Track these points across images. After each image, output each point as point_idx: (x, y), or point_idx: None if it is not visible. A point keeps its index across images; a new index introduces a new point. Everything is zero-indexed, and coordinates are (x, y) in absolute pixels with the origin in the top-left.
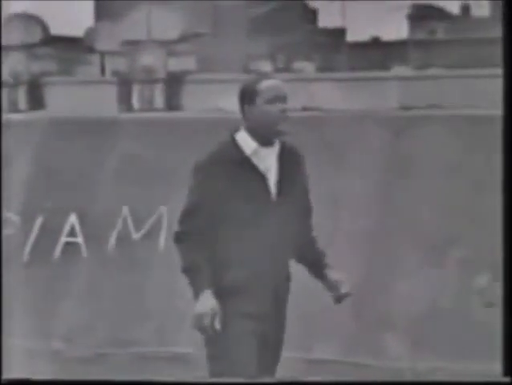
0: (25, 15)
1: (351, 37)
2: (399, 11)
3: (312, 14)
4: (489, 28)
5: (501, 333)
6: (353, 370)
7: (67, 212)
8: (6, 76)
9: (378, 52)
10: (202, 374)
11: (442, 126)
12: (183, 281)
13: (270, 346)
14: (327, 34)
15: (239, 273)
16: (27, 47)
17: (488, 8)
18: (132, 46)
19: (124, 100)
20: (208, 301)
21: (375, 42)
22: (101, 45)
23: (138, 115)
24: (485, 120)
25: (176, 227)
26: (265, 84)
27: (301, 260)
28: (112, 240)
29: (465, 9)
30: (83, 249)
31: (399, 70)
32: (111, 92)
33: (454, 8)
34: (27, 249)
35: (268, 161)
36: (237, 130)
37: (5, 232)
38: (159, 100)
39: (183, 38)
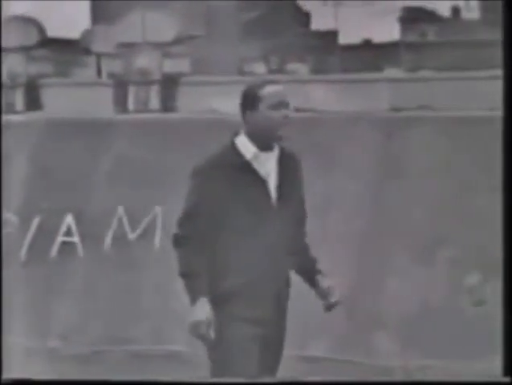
0: (22, 17)
1: (343, 39)
2: (390, 14)
3: (305, 17)
4: (479, 30)
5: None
6: (345, 367)
7: (64, 212)
8: (3, 78)
9: (370, 54)
10: (196, 371)
11: (433, 127)
12: (178, 281)
13: (272, 349)
14: (319, 36)
15: (240, 277)
16: (24, 49)
17: (478, 11)
18: (128, 48)
19: (120, 102)
20: (203, 310)
21: (367, 45)
22: (97, 47)
23: (134, 117)
24: (476, 121)
25: (174, 230)
26: (268, 90)
27: (293, 266)
28: (108, 239)
29: (456, 11)
30: (80, 248)
31: (390, 72)
32: (107, 94)
33: (445, 11)
34: (24, 248)
35: (268, 166)
36: (236, 134)
37: (3, 231)
38: (154, 102)
39: (178, 41)
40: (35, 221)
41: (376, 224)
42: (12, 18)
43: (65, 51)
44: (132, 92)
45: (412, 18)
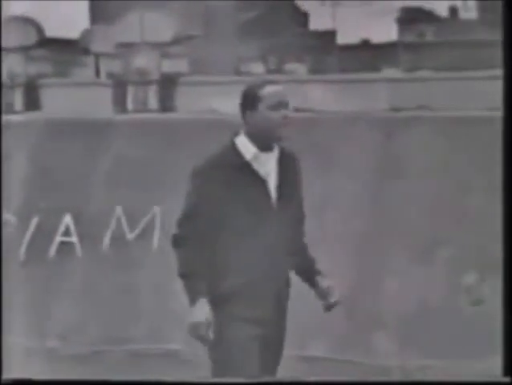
0: (20, 17)
1: (341, 39)
2: (388, 14)
3: (303, 17)
4: (477, 30)
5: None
6: (344, 367)
7: (62, 212)
8: (3, 78)
9: (368, 54)
10: (195, 370)
11: (431, 127)
12: (176, 281)
13: (272, 349)
14: (317, 36)
15: (240, 278)
16: (23, 49)
17: (476, 11)
18: (127, 48)
19: (119, 102)
20: (203, 311)
21: (366, 45)
22: (96, 47)
23: (132, 116)
24: (474, 121)
25: (173, 230)
26: (268, 90)
27: (293, 266)
28: (107, 239)
29: (454, 12)
30: (78, 248)
31: (389, 72)
32: (105, 94)
33: (443, 11)
34: (23, 248)
35: (268, 166)
36: (236, 134)
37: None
38: (153, 101)
39: (176, 41)
40: (34, 221)
41: (375, 224)
42: (11, 18)
43: (64, 51)
44: (130, 92)
45: (410, 18)
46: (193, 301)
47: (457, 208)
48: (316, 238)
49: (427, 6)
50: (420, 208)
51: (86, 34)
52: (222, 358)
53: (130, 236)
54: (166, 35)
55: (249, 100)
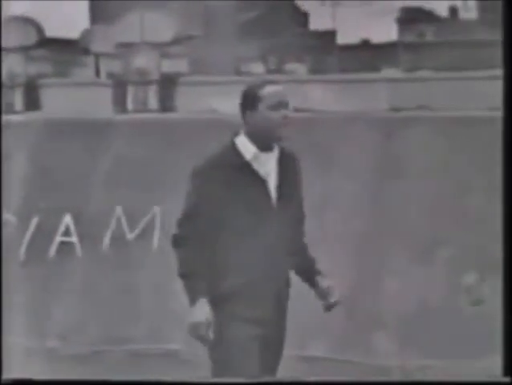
0: (20, 18)
1: (341, 39)
2: (388, 14)
3: (303, 17)
4: (477, 31)
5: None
6: (344, 367)
7: (62, 212)
8: (3, 78)
9: (368, 54)
10: (194, 370)
11: (431, 127)
12: (176, 281)
13: (272, 349)
14: (317, 36)
15: (240, 278)
16: (23, 49)
17: (476, 11)
18: (126, 48)
19: (119, 102)
20: (203, 311)
21: (366, 45)
22: (96, 47)
23: (132, 116)
24: (474, 121)
25: (174, 230)
26: (268, 90)
27: (293, 266)
28: (106, 239)
29: (454, 12)
30: (78, 248)
31: (389, 72)
32: (105, 94)
33: (443, 11)
34: (23, 248)
35: (268, 166)
36: (236, 134)
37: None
38: (153, 101)
39: (176, 41)
40: (34, 221)
41: (375, 224)
42: (11, 18)
43: (64, 51)
44: (130, 92)
45: (410, 18)
46: (192, 301)
47: (456, 208)
48: (316, 238)
49: (427, 6)
50: (420, 208)
51: (86, 34)
52: (222, 358)
53: (130, 236)
54: (166, 35)
55: (250, 100)
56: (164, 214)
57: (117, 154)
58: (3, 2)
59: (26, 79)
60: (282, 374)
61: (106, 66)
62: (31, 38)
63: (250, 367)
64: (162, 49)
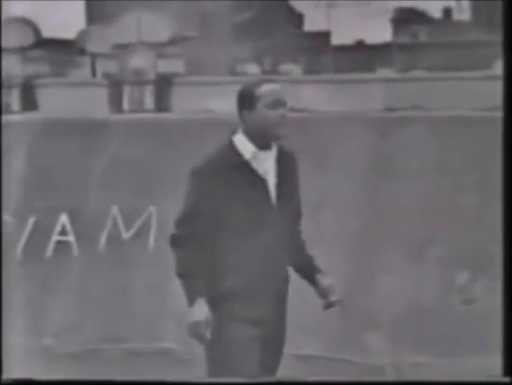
0: (18, 18)
1: (336, 40)
2: (382, 15)
3: (298, 18)
4: (470, 31)
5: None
6: (339, 366)
7: (59, 212)
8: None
9: (362, 55)
10: (189, 369)
11: (425, 127)
12: (172, 280)
13: (272, 348)
14: (312, 37)
15: (240, 278)
16: (20, 50)
17: (469, 12)
18: (123, 48)
19: (115, 102)
20: (202, 310)
21: (360, 45)
22: (92, 47)
23: (128, 117)
24: (468, 121)
25: (172, 230)
26: (265, 88)
27: (292, 264)
28: (103, 239)
29: (447, 13)
30: (74, 247)
31: (383, 72)
32: (102, 94)
33: (436, 12)
34: (20, 247)
35: (267, 165)
36: (234, 133)
37: None
38: (149, 102)
39: (172, 41)
40: (31, 221)
41: (369, 223)
42: (8, 19)
43: (60, 52)
44: (126, 92)
45: (404, 19)
46: (191, 300)
47: (450, 207)
48: (310, 237)
49: (421, 7)
50: (414, 207)
51: (82, 34)
52: (220, 357)
53: (126, 235)
54: (162, 36)
55: (247, 99)
56: (160, 214)
57: (113, 154)
58: (2, 3)
59: (23, 79)
60: (282, 373)
61: (102, 66)
62: (28, 38)
63: (249, 367)
64: (158, 49)
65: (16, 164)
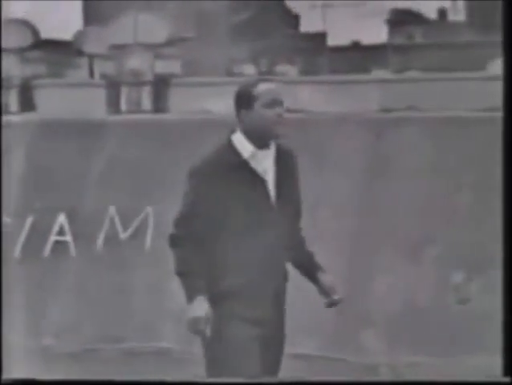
0: (16, 20)
1: (332, 41)
2: (378, 16)
3: (294, 19)
4: (465, 32)
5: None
6: (335, 365)
7: (57, 212)
8: None
9: (358, 56)
10: (187, 368)
11: (421, 127)
12: (169, 280)
13: (272, 347)
14: (308, 38)
15: (239, 277)
16: (19, 51)
17: (464, 13)
18: (120, 49)
19: (112, 102)
20: (202, 307)
21: (356, 46)
22: (90, 48)
23: (126, 117)
24: (462, 121)
25: (171, 230)
26: (262, 88)
27: (292, 261)
28: (100, 239)
29: (442, 14)
30: (72, 247)
31: (379, 73)
32: (99, 94)
33: (432, 13)
34: (18, 247)
35: (265, 164)
36: (233, 132)
37: None
38: (146, 102)
39: (169, 42)
40: (29, 221)
41: (365, 223)
42: (6, 20)
43: (58, 53)
44: (124, 93)
45: (400, 20)
46: (190, 298)
47: (445, 207)
48: (307, 237)
49: (416, 8)
50: (409, 207)
51: (79, 35)
52: (220, 357)
53: (123, 235)
54: (159, 37)
55: (244, 99)
56: (157, 214)
57: (111, 154)
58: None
59: (21, 80)
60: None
61: (100, 67)
62: (27, 39)
63: (249, 367)
64: (155, 50)
65: (14, 165)
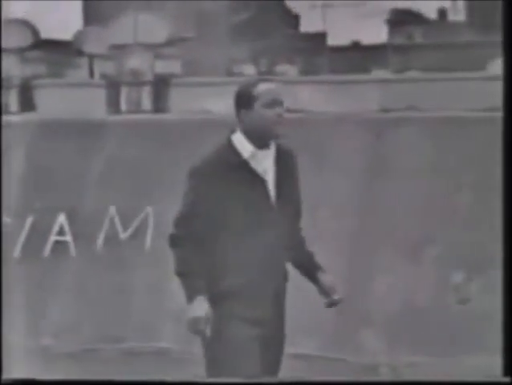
0: (16, 20)
1: (332, 41)
2: (378, 16)
3: (294, 19)
4: (465, 32)
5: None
6: (335, 365)
7: (57, 212)
8: None
9: (358, 56)
10: (186, 368)
11: (420, 127)
12: (169, 280)
13: (272, 347)
14: (308, 38)
15: (239, 277)
16: (19, 51)
17: (464, 13)
18: (120, 49)
19: (112, 102)
20: (202, 307)
21: (356, 46)
22: (90, 48)
23: (126, 117)
24: (462, 121)
25: (171, 230)
26: (261, 88)
27: (292, 261)
28: (100, 239)
29: (442, 14)
30: (72, 247)
31: (378, 73)
32: (99, 94)
33: (432, 13)
34: (18, 247)
35: (265, 164)
36: (233, 132)
37: None
38: (146, 102)
39: (169, 42)
40: (29, 221)
41: (364, 223)
42: (6, 20)
43: (58, 52)
44: (124, 93)
45: (400, 20)
46: (190, 298)
47: (445, 207)
48: (306, 237)
49: (416, 8)
50: (409, 207)
51: (79, 35)
52: (220, 357)
53: (123, 235)
54: (159, 37)
55: (244, 99)
56: (157, 214)
57: (111, 154)
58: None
59: (21, 80)
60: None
61: (100, 67)
62: (27, 39)
63: (249, 367)
64: (155, 50)
65: (14, 165)
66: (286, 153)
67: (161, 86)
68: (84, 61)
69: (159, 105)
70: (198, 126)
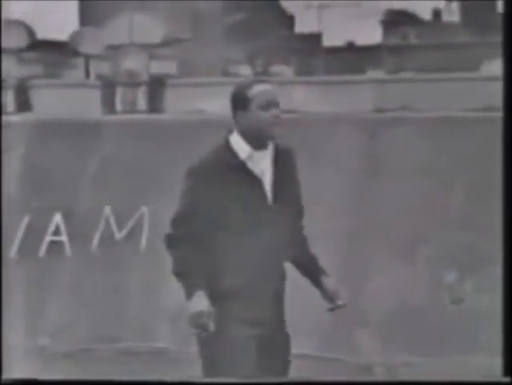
0: (13, 21)
1: (327, 42)
2: (373, 17)
3: (289, 20)
4: (459, 33)
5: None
6: (331, 365)
7: (53, 212)
8: None
9: (353, 56)
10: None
11: (415, 127)
12: (163, 280)
13: (274, 347)
14: (303, 39)
15: (238, 278)
16: (16, 52)
17: (458, 14)
18: (116, 50)
19: (108, 102)
20: (202, 301)
21: (351, 47)
22: (85, 49)
23: (121, 117)
24: (456, 122)
25: (168, 230)
26: (257, 89)
27: (293, 261)
28: (96, 239)
29: (437, 14)
30: (67, 247)
31: (373, 73)
32: (95, 95)
33: (426, 14)
34: (14, 247)
35: (263, 165)
36: (230, 133)
37: None
38: (141, 102)
39: (164, 43)
40: (25, 220)
41: (359, 223)
42: (4, 21)
43: (54, 53)
44: (119, 93)
45: (394, 21)
46: (189, 295)
47: (439, 207)
48: None
49: (411, 8)
50: (403, 207)
51: (75, 35)
52: (217, 357)
53: (118, 236)
54: (155, 37)
55: (240, 101)
56: (153, 214)
57: (106, 154)
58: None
59: (18, 80)
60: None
61: (95, 67)
62: (23, 40)
63: (246, 367)
64: (151, 51)
65: (10, 165)
66: (285, 153)
67: (157, 86)
68: (80, 61)
69: (154, 105)
70: (194, 126)
